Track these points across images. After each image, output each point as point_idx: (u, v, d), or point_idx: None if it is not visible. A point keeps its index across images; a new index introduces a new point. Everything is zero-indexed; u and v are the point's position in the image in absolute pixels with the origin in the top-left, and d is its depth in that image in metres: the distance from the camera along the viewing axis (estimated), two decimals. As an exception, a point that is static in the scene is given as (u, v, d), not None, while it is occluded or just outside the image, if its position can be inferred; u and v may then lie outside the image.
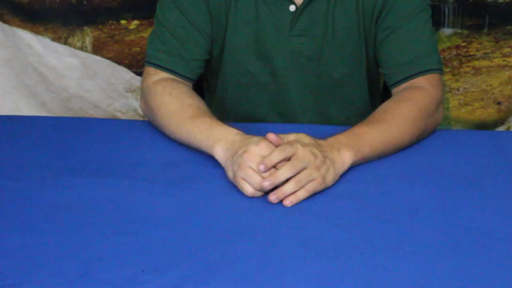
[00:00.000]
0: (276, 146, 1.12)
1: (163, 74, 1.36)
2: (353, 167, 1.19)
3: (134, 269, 0.95)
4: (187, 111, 1.26)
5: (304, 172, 1.10)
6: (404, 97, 1.31)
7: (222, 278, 0.93)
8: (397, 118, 1.26)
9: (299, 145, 1.12)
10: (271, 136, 1.13)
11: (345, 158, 1.16)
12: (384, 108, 1.29)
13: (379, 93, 1.59)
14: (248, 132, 1.19)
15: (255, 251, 0.99)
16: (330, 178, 1.13)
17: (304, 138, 1.15)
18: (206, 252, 0.99)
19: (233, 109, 1.50)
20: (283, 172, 1.09)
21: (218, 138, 1.18)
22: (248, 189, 1.11)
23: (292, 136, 1.16)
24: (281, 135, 1.15)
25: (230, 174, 1.14)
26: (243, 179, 1.11)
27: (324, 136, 1.19)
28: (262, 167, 1.09)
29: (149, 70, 1.38)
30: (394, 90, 1.37)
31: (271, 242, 1.01)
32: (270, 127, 1.33)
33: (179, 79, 1.37)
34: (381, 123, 1.24)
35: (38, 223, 1.06)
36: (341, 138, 1.19)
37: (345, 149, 1.17)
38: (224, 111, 1.50)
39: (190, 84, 1.39)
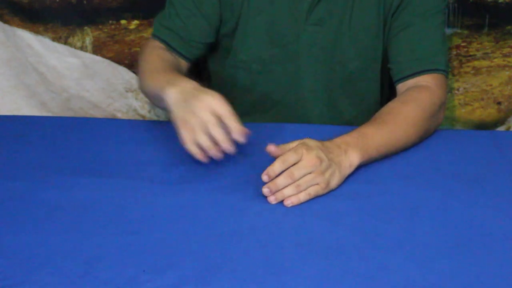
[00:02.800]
0: (277, 156, 1.10)
1: (160, 45, 1.42)
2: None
3: (134, 269, 0.95)
4: (164, 67, 1.31)
5: (307, 177, 1.09)
6: (410, 97, 1.31)
7: (222, 278, 0.93)
8: (403, 120, 1.25)
9: (304, 150, 1.10)
10: (271, 148, 1.11)
11: (352, 160, 1.15)
12: (390, 108, 1.29)
13: (386, 91, 1.59)
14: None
15: (255, 251, 0.99)
16: (335, 182, 1.13)
17: (309, 141, 1.12)
18: (206, 252, 0.99)
19: (242, 97, 1.48)
20: (283, 180, 1.09)
21: (175, 84, 1.18)
22: (186, 137, 1.11)
23: (295, 143, 1.13)
24: (282, 145, 1.13)
25: (174, 114, 1.13)
26: (187, 126, 1.11)
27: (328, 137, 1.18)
28: (265, 178, 1.08)
29: (150, 39, 1.45)
30: (400, 86, 1.37)
31: (271, 242, 1.01)
32: (271, 128, 1.33)
33: (173, 54, 1.41)
34: (387, 124, 1.24)
35: (38, 223, 1.06)
36: (349, 139, 1.18)
37: (353, 151, 1.16)
38: (232, 100, 1.49)
39: (184, 63, 1.42)
